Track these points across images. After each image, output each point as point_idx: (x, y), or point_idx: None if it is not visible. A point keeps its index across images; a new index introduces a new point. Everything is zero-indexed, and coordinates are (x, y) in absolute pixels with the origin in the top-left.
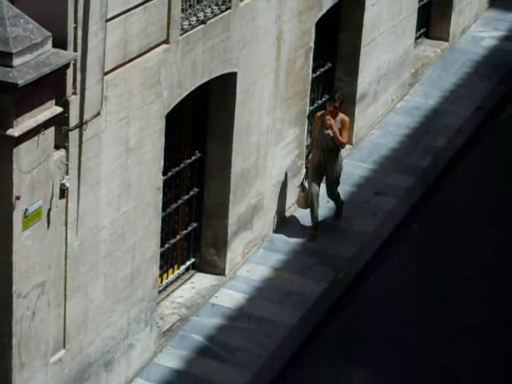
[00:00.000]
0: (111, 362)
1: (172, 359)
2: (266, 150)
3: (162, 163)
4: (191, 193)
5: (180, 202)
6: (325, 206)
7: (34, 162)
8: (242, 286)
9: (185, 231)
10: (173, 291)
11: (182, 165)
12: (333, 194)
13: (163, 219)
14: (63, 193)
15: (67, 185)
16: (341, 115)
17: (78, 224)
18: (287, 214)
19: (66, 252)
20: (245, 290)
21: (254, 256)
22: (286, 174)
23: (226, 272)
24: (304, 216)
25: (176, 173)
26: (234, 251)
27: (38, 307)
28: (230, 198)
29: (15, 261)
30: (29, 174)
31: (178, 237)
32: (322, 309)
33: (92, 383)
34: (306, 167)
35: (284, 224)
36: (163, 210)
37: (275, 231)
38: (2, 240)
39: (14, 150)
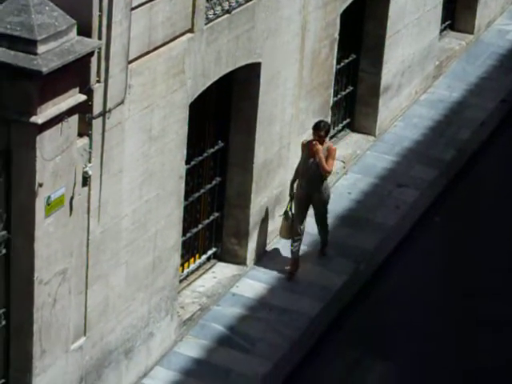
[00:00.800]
0: (131, 350)
1: (192, 348)
2: (289, 140)
3: (185, 152)
4: (213, 182)
5: (202, 191)
6: (347, 197)
7: (57, 150)
8: (263, 276)
9: (207, 221)
10: (194, 280)
11: (205, 154)
12: (321, 222)
13: (185, 208)
14: (86, 181)
15: (90, 173)
16: (328, 143)
17: (100, 212)
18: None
19: (88, 240)
20: (266, 280)
21: (275, 246)
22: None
23: (248, 262)
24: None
25: (199, 162)
26: (256, 241)
27: (60, 294)
28: (252, 188)
29: (37, 248)
30: (52, 162)
31: (199, 226)
32: (342, 300)
33: (112, 371)
34: (290, 195)
35: (307, 215)
36: (185, 199)
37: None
38: (24, 227)
39: (38, 138)
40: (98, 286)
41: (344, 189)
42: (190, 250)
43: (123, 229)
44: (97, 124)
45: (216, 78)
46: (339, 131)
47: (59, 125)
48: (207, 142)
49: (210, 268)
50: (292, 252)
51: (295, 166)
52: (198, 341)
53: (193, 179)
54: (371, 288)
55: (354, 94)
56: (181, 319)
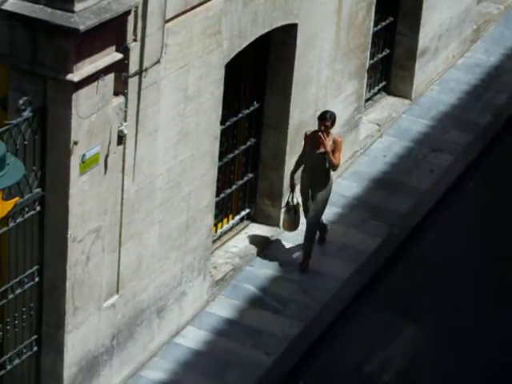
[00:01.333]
0: (163, 309)
1: (224, 308)
2: (325, 102)
3: (220, 113)
4: (248, 143)
5: (237, 152)
6: (381, 160)
7: (92, 108)
8: (296, 238)
9: (240, 181)
10: (227, 241)
11: (240, 115)
12: (313, 220)
13: (219, 169)
14: (121, 139)
15: (125, 131)
16: (333, 135)
17: (134, 171)
18: (342, 168)
19: (122, 198)
20: (299, 241)
21: None
22: (344, 128)
23: (280, 223)
24: (362, 171)
25: (234, 123)
26: None
27: (93, 252)
28: (286, 150)
29: (71, 205)
30: (87, 120)
31: (233, 187)
32: (375, 263)
33: (144, 329)
34: (291, 187)
35: (342, 178)
36: (220, 159)
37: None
38: (59, 185)
39: (74, 95)
40: (131, 245)
41: (379, 152)
42: (223, 210)
43: (157, 188)
44: (133, 83)
45: (252, 38)
46: (375, 94)
47: (95, 83)
48: (243, 103)
49: (243, 229)
50: (303, 245)
51: None
52: (229, 301)
53: (227, 140)
54: (404, 251)
55: (391, 57)
56: (213, 279)
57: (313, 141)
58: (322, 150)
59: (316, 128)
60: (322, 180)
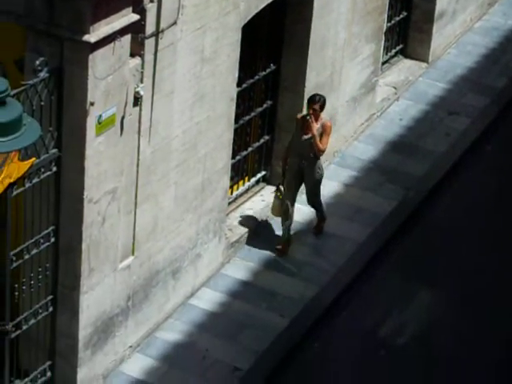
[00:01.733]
0: (179, 271)
1: (239, 270)
2: (341, 65)
3: (237, 75)
4: (264, 105)
5: (253, 114)
6: (398, 123)
7: (109, 69)
8: None
9: (256, 144)
10: (243, 203)
11: (257, 77)
12: (313, 202)
13: (235, 131)
14: (137, 101)
15: (141, 93)
16: (323, 119)
17: (150, 132)
18: (359, 131)
19: (138, 160)
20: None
21: (325, 171)
22: (359, 91)
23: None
24: (378, 134)
25: (250, 85)
26: None
27: (109, 213)
28: (303, 112)
29: (87, 166)
30: (104, 81)
31: (249, 149)
32: (390, 227)
33: (159, 290)
34: (283, 171)
35: (358, 141)
36: (236, 121)
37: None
38: (75, 146)
39: (90, 56)
40: (147, 206)
41: (395, 115)
42: (239, 172)
43: (173, 149)
44: (149, 44)
45: (269, 0)
46: (392, 57)
47: (112, 44)
48: (259, 65)
49: (259, 191)
50: (282, 233)
51: (346, 90)
52: (244, 263)
53: (244, 102)
54: (420, 215)
55: (408, 20)
56: (228, 241)
57: (302, 124)
58: (310, 134)
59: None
60: (311, 165)
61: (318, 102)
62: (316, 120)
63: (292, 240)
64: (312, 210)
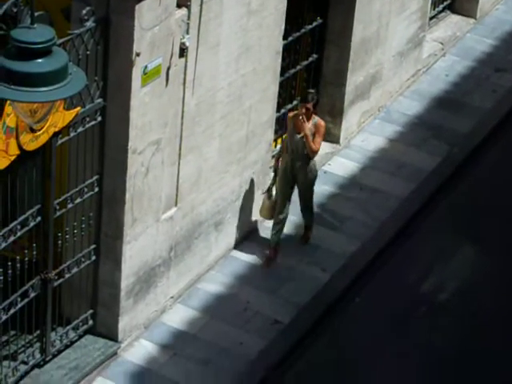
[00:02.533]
0: (221, 223)
1: None
2: (388, 19)
3: (283, 27)
4: (310, 59)
5: (299, 67)
6: (444, 79)
7: (155, 20)
8: (356, 156)
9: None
10: None
11: (303, 30)
12: (306, 206)
13: (281, 84)
14: (183, 52)
15: (187, 44)
16: (316, 118)
17: (195, 84)
18: (404, 86)
19: (183, 111)
20: (358, 159)
21: (369, 126)
22: (406, 45)
23: (341, 140)
24: (423, 89)
25: (296, 38)
26: (350, 120)
27: (152, 164)
28: (348, 67)
29: (132, 117)
30: (150, 31)
31: (294, 102)
32: (434, 183)
33: (201, 242)
34: (275, 171)
35: (403, 96)
36: (281, 74)
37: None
38: (120, 96)
39: (137, 7)
40: (191, 158)
41: (441, 71)
42: (283, 126)
43: (218, 102)
44: None
45: None
46: (439, 12)
47: None
48: (305, 18)
49: None
50: (271, 237)
51: (393, 45)
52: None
53: (289, 55)
54: (464, 171)
55: None
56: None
57: (295, 123)
58: (302, 134)
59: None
60: (304, 166)
61: (311, 101)
62: (309, 119)
63: (281, 246)
64: (357, 164)
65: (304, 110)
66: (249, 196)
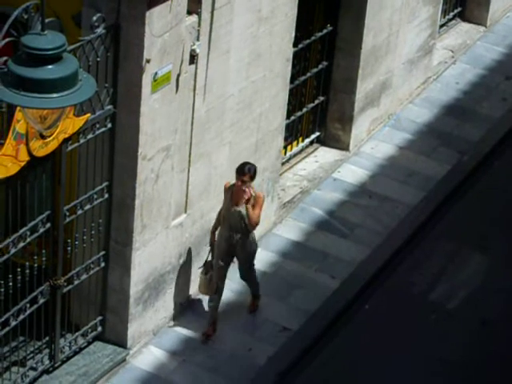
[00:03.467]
0: None
1: (291, 231)
2: (399, 27)
3: (293, 34)
4: (320, 66)
5: (308, 74)
6: (454, 87)
7: (165, 26)
8: (366, 163)
9: (311, 104)
10: (296, 164)
11: (313, 37)
12: (246, 278)
13: (291, 91)
14: (193, 59)
15: (197, 51)
16: (255, 189)
17: (205, 90)
18: (414, 94)
19: (193, 118)
20: (368, 166)
21: (379, 133)
22: (416, 53)
23: (351, 148)
24: (433, 97)
25: (306, 45)
26: (360, 127)
27: (162, 171)
28: (358, 74)
29: (142, 123)
30: (160, 38)
31: (304, 110)
32: (444, 191)
33: None
34: (211, 245)
35: (413, 104)
36: (291, 81)
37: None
38: (130, 103)
39: (147, 13)
40: (200, 165)
41: (452, 78)
42: (293, 133)
43: (228, 108)
44: (206, 2)
45: None
46: (450, 20)
47: (169, 1)
48: (316, 26)
49: (313, 152)
50: (209, 310)
51: (403, 53)
52: (297, 223)
53: (299, 62)
54: (474, 179)
55: None
56: (281, 201)
57: (231, 195)
58: (240, 206)
59: None
60: (242, 239)
61: (247, 174)
62: (247, 190)
63: (218, 321)
64: (366, 171)
65: (240, 183)
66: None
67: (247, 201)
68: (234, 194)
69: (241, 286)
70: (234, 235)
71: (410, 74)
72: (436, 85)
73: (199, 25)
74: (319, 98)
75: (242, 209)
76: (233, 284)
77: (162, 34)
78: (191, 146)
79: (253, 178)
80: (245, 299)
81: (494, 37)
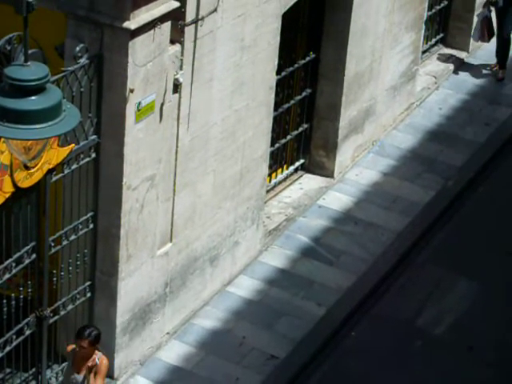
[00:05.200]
0: (216, 258)
1: (277, 258)
2: (381, 53)
3: (276, 62)
4: (303, 94)
5: (292, 102)
6: (437, 112)
7: (148, 56)
8: (350, 190)
9: (295, 132)
10: (281, 191)
11: (296, 65)
12: None
13: (274, 119)
14: (176, 88)
15: (181, 80)
16: (99, 355)
17: (189, 120)
18: (398, 120)
19: (177, 147)
20: (353, 193)
21: (363, 160)
22: (399, 79)
23: (335, 174)
24: (417, 123)
25: (289, 73)
26: (344, 154)
27: (147, 200)
28: (342, 101)
29: (126, 153)
30: (143, 68)
31: (288, 137)
32: (428, 216)
33: (197, 278)
34: None
35: (397, 130)
36: (275, 109)
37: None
38: (114, 133)
39: (130, 43)
40: (185, 194)
41: (435, 104)
42: (277, 160)
43: (212, 137)
44: (189, 31)
45: None
46: (432, 46)
47: (152, 31)
48: (299, 53)
49: (298, 179)
50: None
51: (386, 79)
52: (282, 251)
53: (283, 90)
54: (459, 205)
55: (449, 9)
56: (266, 229)
57: (73, 361)
58: (81, 373)
59: None
60: None
61: (86, 339)
62: (88, 357)
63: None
64: (350, 197)
65: (78, 348)
66: (244, 231)
67: (90, 368)
68: (74, 360)
69: (227, 315)
70: None
71: (393, 100)
72: (419, 111)
73: (182, 54)
74: (303, 125)
75: (80, 378)
76: (220, 313)
77: (145, 63)
78: (176, 175)
79: (93, 343)
80: (232, 327)
81: (476, 62)
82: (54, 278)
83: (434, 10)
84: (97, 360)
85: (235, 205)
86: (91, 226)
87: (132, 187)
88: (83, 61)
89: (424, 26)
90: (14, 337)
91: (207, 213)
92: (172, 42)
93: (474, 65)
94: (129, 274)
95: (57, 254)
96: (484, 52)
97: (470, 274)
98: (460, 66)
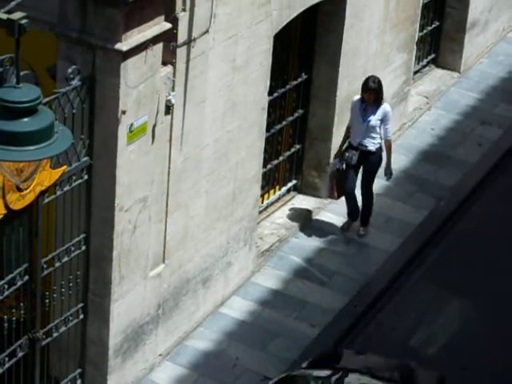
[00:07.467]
0: (209, 279)
1: (269, 279)
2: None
3: (268, 83)
4: (296, 114)
5: (284, 123)
6: (429, 133)
7: (140, 78)
8: (343, 210)
9: (288, 153)
10: (273, 212)
11: (288, 86)
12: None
13: (267, 140)
14: (168, 109)
15: (173, 101)
16: None
17: (182, 141)
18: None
19: (169, 168)
20: (345, 214)
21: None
22: (392, 100)
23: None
24: (409, 143)
25: (281, 94)
26: None
27: (140, 221)
28: (334, 122)
29: (118, 175)
30: (135, 89)
31: (280, 158)
32: (421, 236)
33: (189, 299)
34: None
35: None
36: (267, 130)
37: None
38: (106, 154)
39: (122, 65)
40: (177, 215)
41: (427, 124)
42: (270, 181)
43: (204, 158)
44: (181, 53)
45: (301, 9)
46: (424, 66)
47: (144, 52)
48: (290, 74)
49: (290, 200)
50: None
51: None
52: (275, 272)
53: (275, 111)
54: (451, 225)
55: (440, 30)
56: (259, 250)
57: None
58: None
59: None
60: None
61: None
62: None
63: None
64: (344, 219)
65: None
66: (236, 252)
67: None
68: None
69: (220, 336)
70: None
71: None
72: (411, 131)
73: (174, 75)
74: (295, 146)
75: None
76: (212, 334)
77: (137, 85)
78: (168, 196)
79: None
80: (225, 348)
81: (468, 82)
82: (47, 300)
83: (425, 31)
84: None
85: (228, 226)
86: (83, 247)
87: (124, 209)
88: (75, 82)
89: (415, 47)
90: (7, 359)
91: (200, 234)
92: (164, 63)
93: (466, 85)
94: (121, 295)
95: (49, 275)
96: (475, 72)
97: (464, 295)
98: (451, 86)
